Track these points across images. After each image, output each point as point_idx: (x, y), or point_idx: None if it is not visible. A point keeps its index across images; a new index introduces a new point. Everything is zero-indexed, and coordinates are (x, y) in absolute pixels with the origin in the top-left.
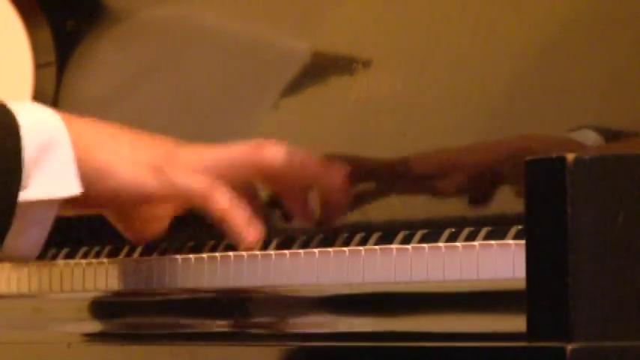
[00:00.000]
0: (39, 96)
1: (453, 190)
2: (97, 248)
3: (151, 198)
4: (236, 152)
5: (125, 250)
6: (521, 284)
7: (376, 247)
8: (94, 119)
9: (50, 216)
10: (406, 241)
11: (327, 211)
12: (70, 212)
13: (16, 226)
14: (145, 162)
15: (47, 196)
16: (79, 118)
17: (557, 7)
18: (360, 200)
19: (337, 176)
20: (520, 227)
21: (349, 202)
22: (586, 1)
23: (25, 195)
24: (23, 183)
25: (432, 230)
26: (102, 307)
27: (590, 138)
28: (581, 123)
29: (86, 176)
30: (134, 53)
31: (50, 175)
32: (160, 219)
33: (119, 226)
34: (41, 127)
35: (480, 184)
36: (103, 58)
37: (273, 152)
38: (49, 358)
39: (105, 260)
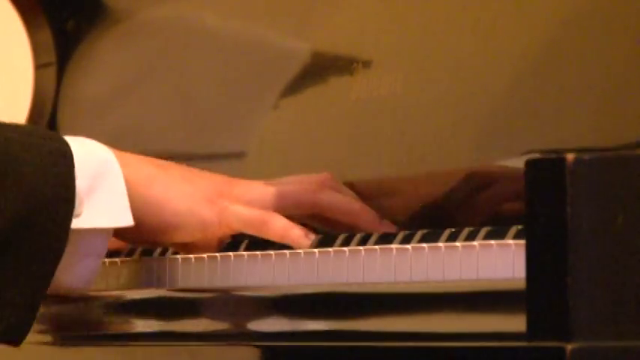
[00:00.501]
0: (39, 96)
1: (454, 190)
2: None
3: (206, 228)
4: (292, 190)
5: (125, 250)
6: (521, 284)
7: (376, 247)
8: (144, 156)
9: (102, 247)
10: (406, 241)
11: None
12: (122, 245)
13: (69, 257)
14: (200, 195)
15: (100, 226)
16: (130, 154)
17: (557, 8)
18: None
19: (386, 229)
20: (520, 227)
21: None
22: (586, 1)
23: (78, 223)
24: (77, 211)
25: (432, 230)
26: (102, 308)
27: None
28: (580, 123)
29: (140, 210)
30: (134, 53)
31: (103, 205)
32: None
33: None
34: (93, 158)
35: (480, 184)
36: (103, 59)
37: (329, 196)
38: (49, 358)
39: (105, 260)
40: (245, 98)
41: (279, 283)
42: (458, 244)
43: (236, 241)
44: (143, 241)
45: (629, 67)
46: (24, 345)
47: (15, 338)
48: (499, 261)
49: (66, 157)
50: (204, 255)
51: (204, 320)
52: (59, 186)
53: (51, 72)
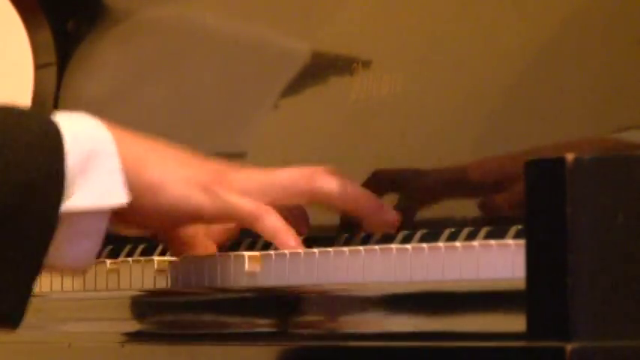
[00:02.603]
0: (39, 96)
1: (453, 191)
2: None
3: (200, 215)
4: (288, 178)
5: (126, 249)
6: (521, 284)
7: (376, 246)
8: (145, 136)
9: (100, 228)
10: (406, 240)
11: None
12: (119, 228)
13: (65, 237)
14: (195, 180)
15: (93, 206)
16: (129, 132)
17: (557, 7)
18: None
19: (387, 218)
20: (520, 227)
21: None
22: (586, 1)
23: (70, 204)
24: (67, 192)
25: (432, 230)
26: (102, 308)
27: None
28: (580, 123)
29: (136, 190)
30: (134, 53)
31: (96, 185)
32: (205, 239)
33: (166, 243)
34: (87, 137)
35: (480, 184)
36: (103, 59)
37: (326, 182)
38: (49, 358)
39: (105, 260)
40: (245, 98)
41: (279, 284)
42: (458, 244)
43: (236, 242)
44: (137, 224)
45: (629, 67)
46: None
47: (10, 322)
48: (499, 261)
49: (54, 137)
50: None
51: (203, 320)
52: (47, 167)
53: (51, 72)
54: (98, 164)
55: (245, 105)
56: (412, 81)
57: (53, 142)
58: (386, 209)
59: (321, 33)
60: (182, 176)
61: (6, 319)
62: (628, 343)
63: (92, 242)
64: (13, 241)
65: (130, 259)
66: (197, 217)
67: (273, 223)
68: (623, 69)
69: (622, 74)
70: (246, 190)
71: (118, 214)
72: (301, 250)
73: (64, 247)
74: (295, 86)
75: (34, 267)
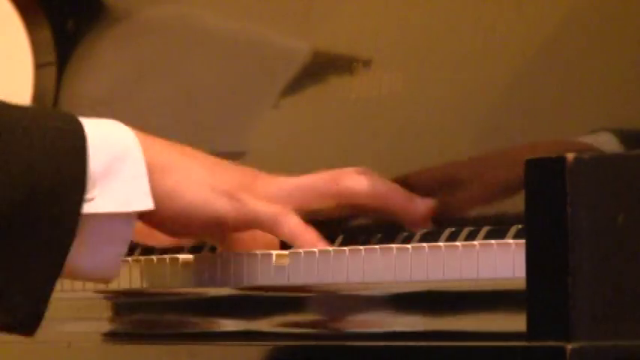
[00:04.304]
0: (39, 96)
1: (454, 190)
2: None
3: (220, 222)
4: (315, 180)
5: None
6: (521, 284)
7: (376, 246)
8: (169, 142)
9: (126, 234)
10: (406, 240)
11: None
12: (145, 239)
13: (88, 242)
14: (217, 186)
15: (115, 210)
16: (155, 138)
17: (558, 7)
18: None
19: (421, 210)
20: (520, 227)
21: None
22: (586, 1)
23: (91, 208)
24: (89, 195)
25: (432, 230)
26: (102, 307)
27: (606, 141)
28: (580, 123)
29: (159, 196)
30: (134, 53)
31: (120, 190)
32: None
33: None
34: (112, 142)
35: (480, 184)
36: (103, 58)
37: (354, 181)
38: (49, 358)
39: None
40: (245, 98)
41: (279, 284)
42: (458, 243)
43: None
44: (163, 231)
45: (629, 67)
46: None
47: (27, 329)
48: (499, 260)
49: (77, 139)
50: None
51: (204, 320)
52: (68, 169)
53: (51, 72)
54: (123, 169)
55: (245, 105)
56: (412, 81)
57: (76, 143)
58: (418, 203)
59: (321, 32)
60: (206, 182)
61: (23, 325)
62: (628, 343)
63: (117, 248)
64: (32, 245)
65: (129, 258)
66: (219, 223)
67: (293, 226)
68: (624, 69)
69: (622, 74)
70: (272, 194)
71: (147, 221)
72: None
73: (87, 252)
74: (295, 86)
75: (53, 272)
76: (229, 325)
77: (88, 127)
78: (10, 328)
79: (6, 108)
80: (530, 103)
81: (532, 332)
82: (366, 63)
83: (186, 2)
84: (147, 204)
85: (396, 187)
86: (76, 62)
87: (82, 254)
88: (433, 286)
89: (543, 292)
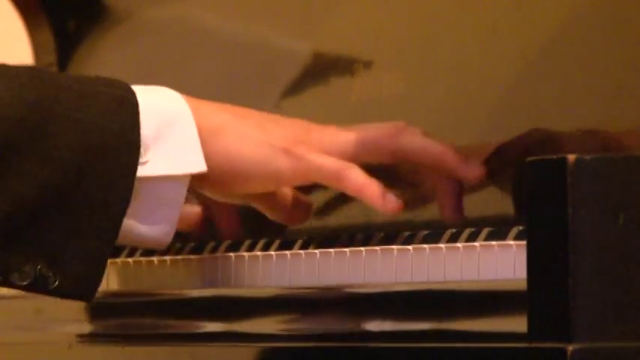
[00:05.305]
0: None
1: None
2: None
3: (282, 178)
4: (371, 135)
5: (126, 250)
6: (522, 285)
7: (377, 247)
8: (219, 103)
9: (179, 197)
10: (407, 241)
11: (451, 206)
12: (205, 195)
13: (141, 205)
14: (274, 143)
15: (169, 172)
16: (205, 101)
17: (558, 8)
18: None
19: (475, 170)
20: (521, 228)
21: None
22: (586, 1)
23: (145, 171)
24: (143, 159)
25: (433, 231)
26: (102, 308)
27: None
28: (581, 123)
29: (213, 159)
30: (134, 54)
31: (172, 152)
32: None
33: (261, 209)
34: (162, 106)
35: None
36: (104, 59)
37: (410, 139)
38: (49, 359)
39: (118, 261)
40: (245, 98)
41: (280, 284)
42: (459, 244)
43: (237, 242)
44: (219, 192)
45: (629, 67)
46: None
47: (84, 293)
48: (500, 262)
49: (129, 105)
50: (206, 256)
51: (204, 321)
52: (123, 133)
53: None
54: (175, 132)
55: (245, 105)
56: (413, 81)
57: (129, 108)
58: (471, 163)
59: (321, 33)
60: (261, 140)
61: (79, 289)
62: (629, 343)
63: (171, 211)
64: (88, 208)
65: (130, 259)
66: (277, 180)
67: (358, 179)
68: (624, 69)
69: (622, 74)
70: (329, 149)
71: (198, 184)
72: (394, 203)
73: (144, 214)
74: (296, 86)
75: (110, 236)
76: (228, 326)
77: (139, 91)
78: (67, 294)
79: (62, 76)
80: (530, 103)
81: (533, 333)
82: (367, 64)
83: (186, 3)
84: (200, 166)
85: (450, 148)
86: (76, 62)
87: (136, 218)
88: (434, 287)
89: (544, 293)
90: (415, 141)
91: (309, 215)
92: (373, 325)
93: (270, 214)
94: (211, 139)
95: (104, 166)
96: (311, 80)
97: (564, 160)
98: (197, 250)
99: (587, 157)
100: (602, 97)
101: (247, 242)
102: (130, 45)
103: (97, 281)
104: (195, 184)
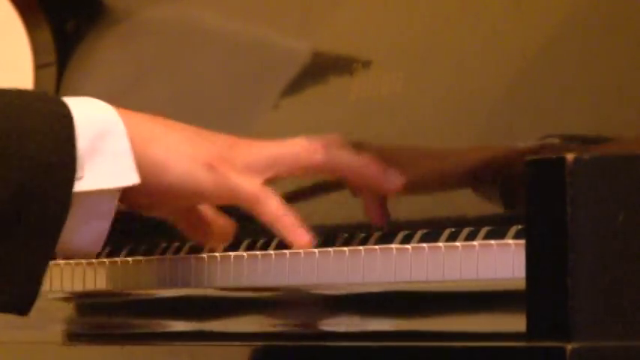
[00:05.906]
0: None
1: (453, 190)
2: None
3: (203, 195)
4: (294, 151)
5: (125, 250)
6: (521, 284)
7: (376, 246)
8: (150, 114)
9: (110, 209)
10: (406, 240)
11: (376, 213)
12: (125, 208)
13: (75, 219)
14: (200, 158)
15: (103, 187)
16: (135, 112)
17: (558, 8)
18: (360, 201)
19: (395, 181)
20: (520, 227)
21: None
22: (586, 1)
23: (81, 186)
24: (78, 174)
25: (432, 230)
26: (102, 307)
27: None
28: (581, 123)
29: (141, 170)
30: (134, 53)
31: (106, 166)
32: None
33: (181, 227)
34: (96, 119)
35: (480, 183)
36: (103, 59)
37: (332, 154)
38: (48, 358)
39: (105, 260)
40: (245, 98)
41: (279, 284)
42: (458, 243)
43: (236, 242)
44: (144, 205)
45: (629, 67)
46: (32, 344)
47: (22, 307)
48: (499, 261)
49: (65, 120)
50: (204, 255)
51: (204, 320)
52: (59, 150)
53: (51, 72)
54: (108, 145)
55: (245, 105)
56: (412, 81)
57: (64, 124)
58: (390, 175)
59: (321, 33)
60: (187, 154)
61: (18, 304)
62: (628, 343)
63: (103, 223)
64: (26, 226)
65: (130, 259)
66: (200, 195)
67: (274, 208)
68: (624, 69)
69: (622, 74)
70: (252, 164)
71: (126, 195)
72: (306, 237)
73: (77, 228)
74: (295, 86)
75: (47, 251)
76: (228, 325)
77: (73, 105)
78: (4, 308)
79: None
80: (530, 103)
81: (532, 332)
82: (366, 63)
83: (186, 2)
84: (133, 178)
85: (371, 159)
86: (76, 62)
87: (70, 230)
88: (433, 287)
89: (543, 292)
90: (337, 155)
91: (230, 238)
92: (372, 325)
93: (189, 233)
94: (140, 150)
95: (42, 185)
96: (310, 80)
97: (563, 159)
98: (196, 249)
99: (586, 157)
100: (602, 97)
101: (246, 242)
102: (129, 45)
103: (33, 296)
104: (125, 195)
